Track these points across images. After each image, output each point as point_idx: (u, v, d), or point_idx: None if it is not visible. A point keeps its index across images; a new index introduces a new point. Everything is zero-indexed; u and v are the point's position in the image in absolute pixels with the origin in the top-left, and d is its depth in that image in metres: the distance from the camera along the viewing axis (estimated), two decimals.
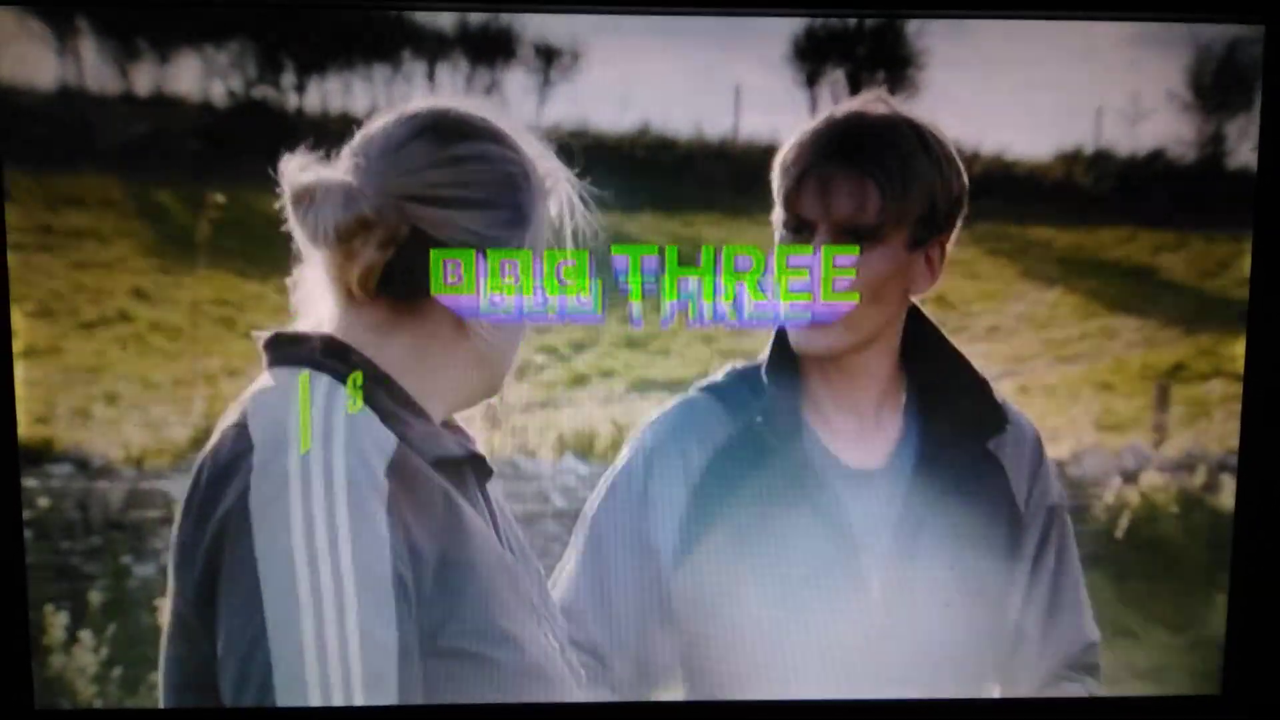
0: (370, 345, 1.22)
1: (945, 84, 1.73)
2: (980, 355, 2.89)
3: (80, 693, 2.45)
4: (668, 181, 1.99)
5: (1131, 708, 1.65)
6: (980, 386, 1.48)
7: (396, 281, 1.20)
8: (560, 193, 1.29)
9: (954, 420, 1.48)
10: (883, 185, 1.37)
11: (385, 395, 1.20)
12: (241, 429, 1.17)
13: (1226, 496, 3.25)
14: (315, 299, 1.24)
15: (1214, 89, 1.84)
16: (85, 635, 2.47)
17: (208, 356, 1.64)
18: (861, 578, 1.46)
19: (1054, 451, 3.09)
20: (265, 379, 1.21)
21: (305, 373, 1.19)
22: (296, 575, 1.12)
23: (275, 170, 1.21)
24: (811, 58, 1.73)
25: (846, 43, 1.73)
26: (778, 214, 1.42)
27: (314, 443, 1.14)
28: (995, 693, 1.56)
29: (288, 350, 1.21)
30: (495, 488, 1.33)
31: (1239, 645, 1.61)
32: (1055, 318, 2.57)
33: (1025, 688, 1.54)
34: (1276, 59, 1.51)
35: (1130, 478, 3.09)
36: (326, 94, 1.83)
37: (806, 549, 1.46)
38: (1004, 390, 2.99)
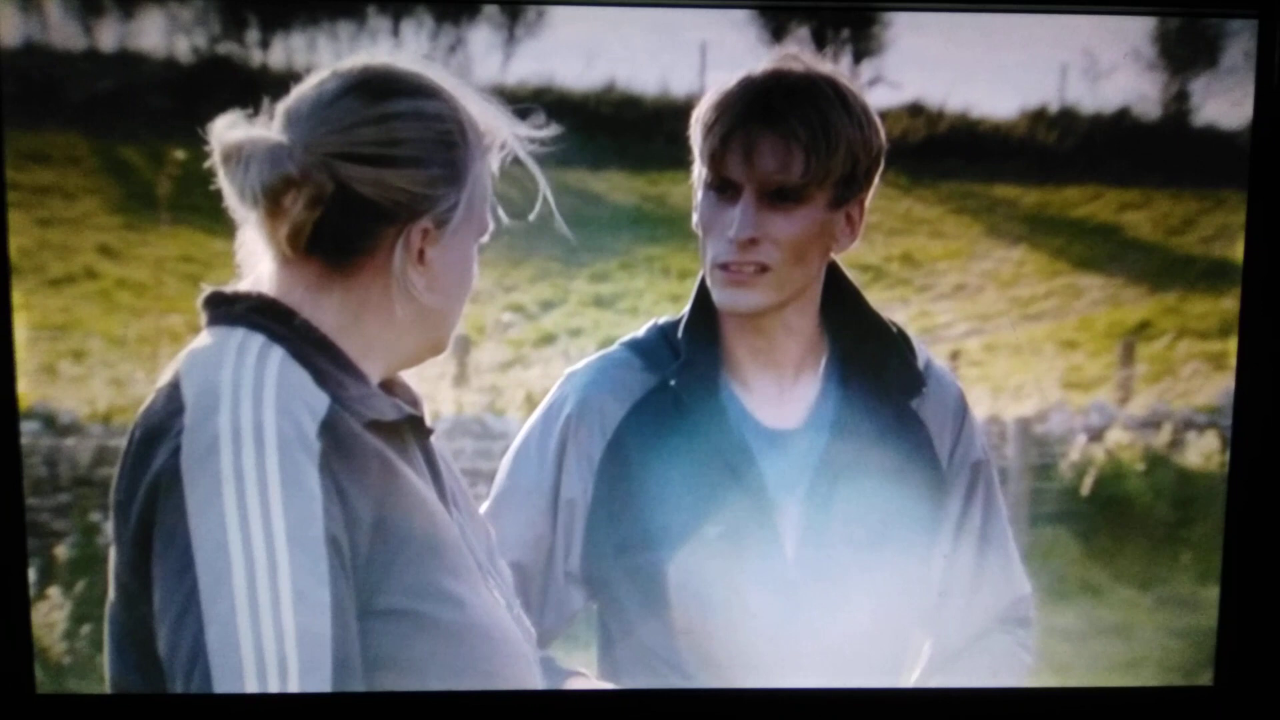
0: (306, 305, 1.20)
1: (910, 41, 1.73)
2: (946, 313, 2.91)
3: (50, 649, 2.45)
4: (634, 139, 1.99)
5: (1123, 699, 1.68)
6: (900, 344, 1.49)
7: (326, 241, 1.19)
8: (503, 150, 1.28)
9: (873, 380, 1.49)
10: (807, 145, 1.37)
11: (320, 355, 1.19)
12: (174, 389, 1.16)
13: (1192, 454, 3.29)
14: (254, 259, 1.24)
15: (1178, 46, 1.85)
16: (54, 591, 2.47)
17: (174, 313, 1.64)
18: (776, 536, 1.47)
19: (1019, 409, 3.12)
20: (201, 338, 1.20)
21: (239, 332, 1.18)
22: (228, 534, 1.11)
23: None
24: (776, 14, 1.73)
25: None
26: (700, 173, 1.42)
27: (245, 403, 1.13)
28: (924, 648, 1.58)
29: (223, 309, 1.20)
30: (444, 445, 1.33)
31: (1232, 637, 1.63)
32: (1020, 276, 2.59)
33: (955, 641, 1.55)
34: (1268, 51, 1.52)
35: (1096, 435, 3.12)
36: (291, 50, 1.82)
37: (721, 508, 1.47)
38: (970, 348, 3.02)
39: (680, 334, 1.46)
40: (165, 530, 1.12)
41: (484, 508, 1.46)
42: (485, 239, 1.29)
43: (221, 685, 1.09)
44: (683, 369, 1.46)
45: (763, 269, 1.39)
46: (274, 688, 1.10)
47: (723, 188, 1.39)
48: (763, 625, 1.47)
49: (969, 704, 1.56)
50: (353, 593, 1.17)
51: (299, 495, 1.13)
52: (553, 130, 1.27)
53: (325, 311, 1.21)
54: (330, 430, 1.16)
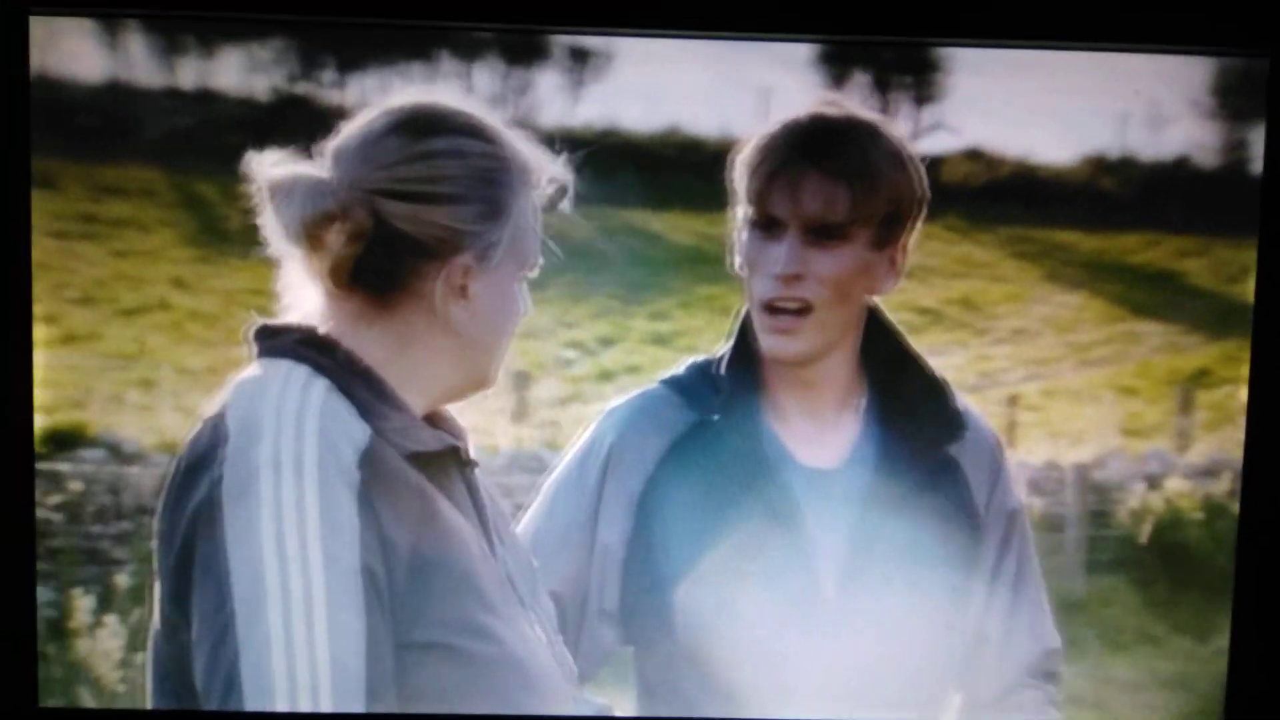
0: (350, 337, 1.23)
1: (971, 88, 1.75)
2: (1004, 358, 2.91)
3: (104, 677, 2.48)
4: (695, 180, 2.02)
5: None
6: (939, 390, 1.51)
7: (369, 275, 1.22)
8: (547, 188, 1.31)
9: (912, 424, 1.50)
10: (851, 183, 1.40)
11: (363, 387, 1.22)
12: (219, 420, 1.19)
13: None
14: (301, 292, 1.27)
15: (1236, 94, 1.85)
16: (111, 619, 2.50)
17: (244, 345, 1.69)
18: (815, 577, 1.48)
19: (1078, 456, 3.10)
20: (249, 370, 1.24)
21: (285, 364, 1.22)
22: (265, 565, 1.13)
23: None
24: (839, 61, 1.75)
25: (873, 46, 1.76)
26: (744, 212, 1.45)
27: (287, 434, 1.16)
28: (956, 700, 1.57)
29: (271, 341, 1.24)
30: (489, 480, 1.35)
31: (1244, 676, 1.62)
32: (1079, 321, 2.58)
33: (987, 694, 1.55)
34: None
35: (1154, 483, 3.09)
36: (366, 91, 1.87)
37: (760, 546, 1.48)
38: (1028, 393, 3.00)
39: (723, 370, 1.48)
40: (204, 559, 1.14)
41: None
42: (533, 274, 1.31)
43: None
44: (725, 405, 1.47)
45: (806, 307, 1.41)
46: None
47: (768, 226, 1.42)
48: (799, 664, 1.48)
49: None
50: (388, 625, 1.18)
51: (336, 526, 1.15)
52: (569, 172, 1.30)
53: (369, 344, 1.24)
54: (370, 461, 1.18)
